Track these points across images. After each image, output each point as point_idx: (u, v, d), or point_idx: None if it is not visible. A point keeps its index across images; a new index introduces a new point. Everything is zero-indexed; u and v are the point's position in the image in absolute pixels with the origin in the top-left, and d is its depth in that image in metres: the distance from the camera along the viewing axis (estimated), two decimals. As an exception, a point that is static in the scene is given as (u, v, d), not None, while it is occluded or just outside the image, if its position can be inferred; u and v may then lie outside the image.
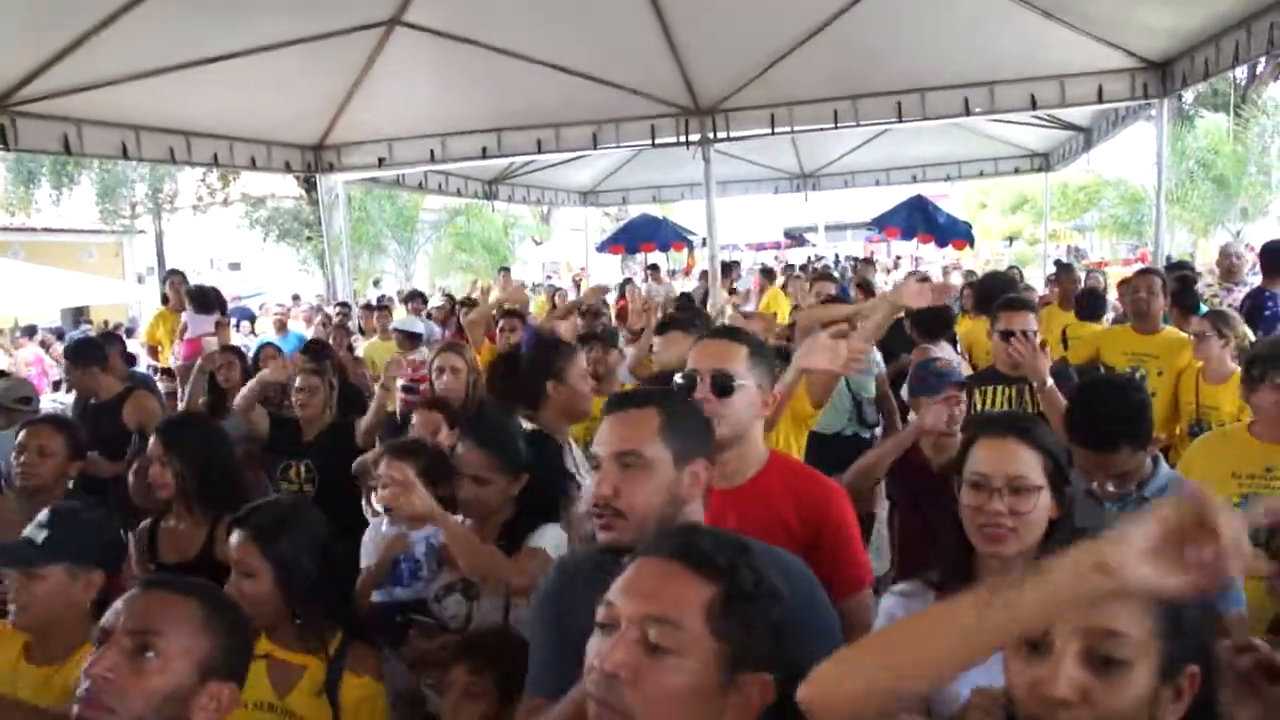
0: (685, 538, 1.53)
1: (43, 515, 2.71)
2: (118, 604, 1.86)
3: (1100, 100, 9.48)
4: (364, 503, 4.12)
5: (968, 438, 2.40)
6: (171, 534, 3.52)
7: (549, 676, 1.96)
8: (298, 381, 5.06)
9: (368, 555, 3.31)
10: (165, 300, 10.10)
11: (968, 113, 9.93)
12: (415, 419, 4.32)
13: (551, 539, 3.05)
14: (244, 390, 5.13)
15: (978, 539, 2.21)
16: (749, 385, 2.62)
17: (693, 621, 1.41)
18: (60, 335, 18.02)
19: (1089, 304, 7.90)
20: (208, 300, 8.79)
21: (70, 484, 3.97)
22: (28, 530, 2.67)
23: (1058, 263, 12.49)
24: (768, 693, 1.46)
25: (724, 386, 2.59)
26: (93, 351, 5.97)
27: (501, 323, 7.11)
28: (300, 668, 2.63)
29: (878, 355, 6.15)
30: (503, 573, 2.89)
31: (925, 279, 3.99)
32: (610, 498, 1.94)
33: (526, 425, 3.63)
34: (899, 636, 1.42)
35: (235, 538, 2.69)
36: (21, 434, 3.85)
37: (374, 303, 13.87)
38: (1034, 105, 9.71)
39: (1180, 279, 7.20)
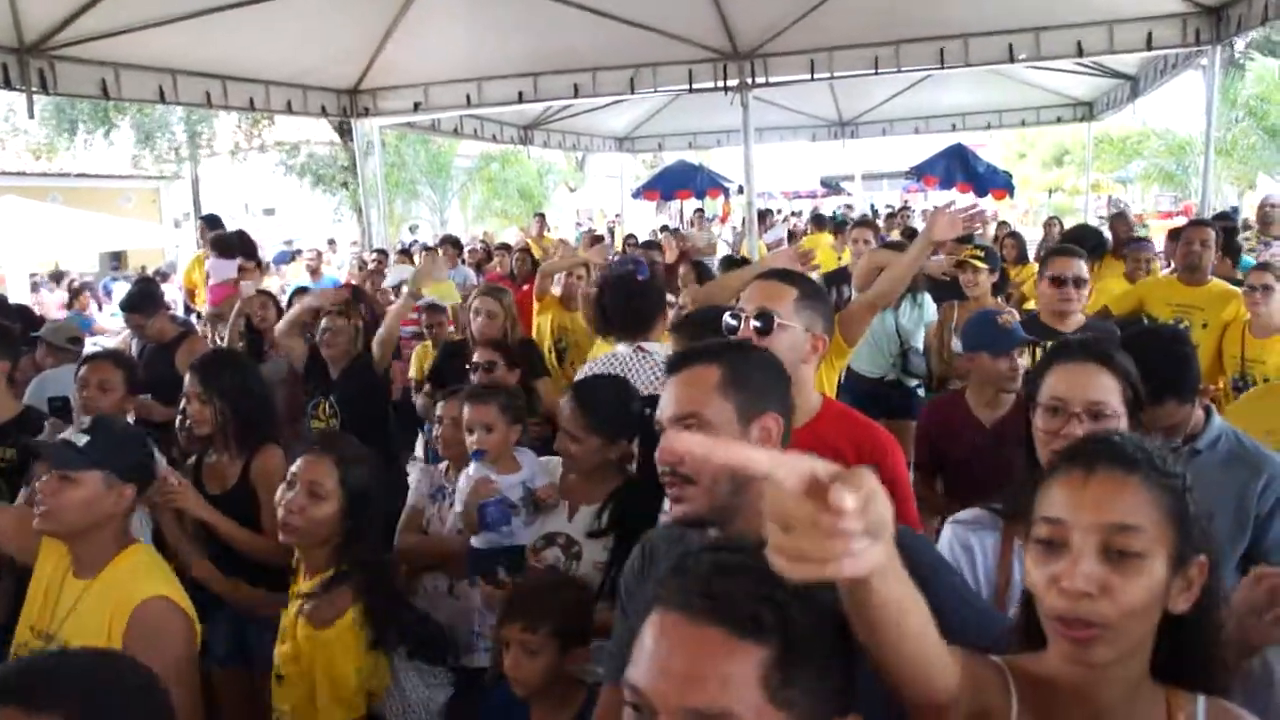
0: (714, 583, 1.18)
1: (85, 421, 2.75)
2: None
3: (1149, 47, 9.22)
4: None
5: (1043, 363, 2.35)
6: (213, 468, 3.62)
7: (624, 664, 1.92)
8: (323, 322, 5.10)
9: (459, 501, 3.31)
10: (201, 244, 10.16)
11: (1012, 59, 9.73)
12: (477, 355, 4.33)
13: None
14: (288, 315, 5.24)
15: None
16: (794, 327, 2.59)
17: (749, 706, 1.13)
18: (90, 283, 18.15)
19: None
20: (228, 246, 8.82)
21: (130, 419, 4.02)
22: (68, 433, 2.69)
23: (1117, 211, 12.19)
24: None
25: (765, 326, 2.57)
26: (152, 297, 6.06)
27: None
28: (339, 606, 2.73)
29: (931, 307, 6.10)
30: None
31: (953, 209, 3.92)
32: (675, 463, 1.79)
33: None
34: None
35: (313, 460, 2.75)
36: (83, 369, 3.90)
37: (409, 247, 13.90)
38: (1080, 52, 9.50)
39: (1225, 230, 7.05)
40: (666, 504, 1.83)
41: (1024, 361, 3.82)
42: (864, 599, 1.17)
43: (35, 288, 16.67)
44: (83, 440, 2.61)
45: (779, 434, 1.87)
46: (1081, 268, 4.42)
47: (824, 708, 1.18)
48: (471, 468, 3.21)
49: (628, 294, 4.26)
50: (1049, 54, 9.69)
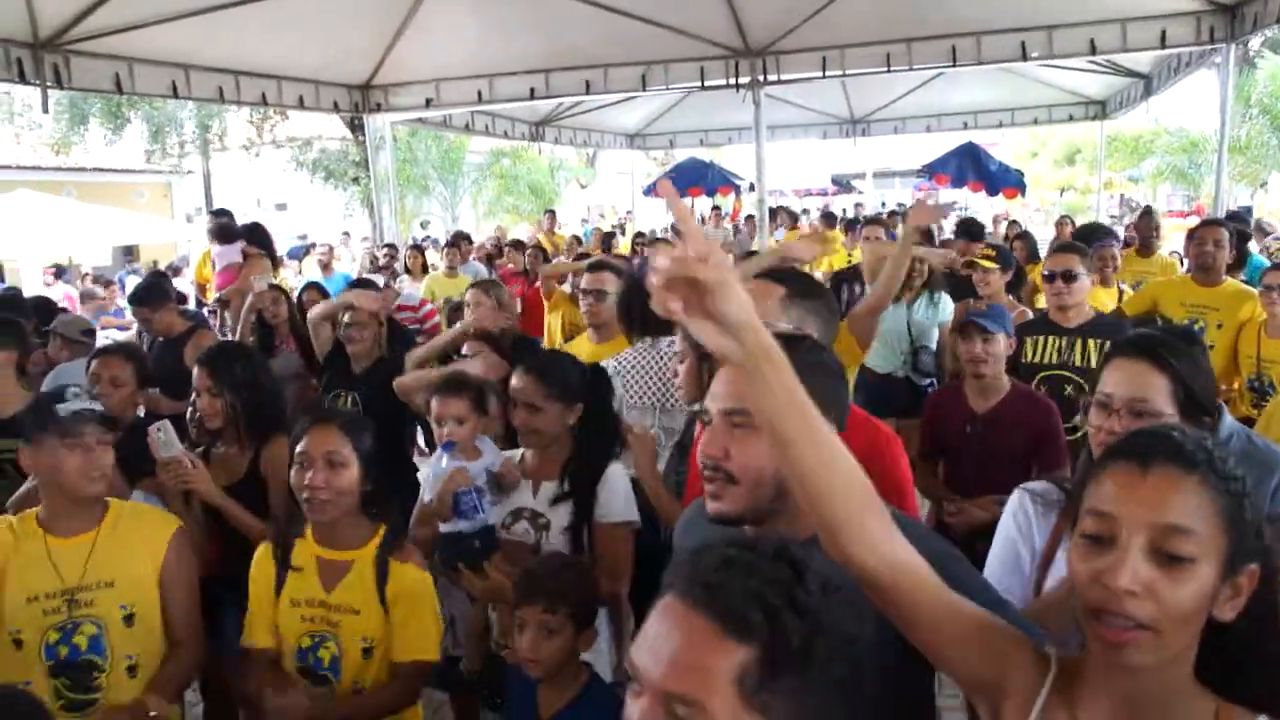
0: (716, 576, 1.21)
1: (78, 391, 2.84)
2: None
3: (1163, 45, 9.20)
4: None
5: (1105, 358, 2.35)
6: (222, 459, 3.65)
7: None
8: (347, 317, 5.11)
9: (427, 491, 3.35)
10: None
11: (1024, 58, 9.71)
12: (467, 348, 4.36)
13: (617, 486, 3.17)
14: (321, 306, 5.38)
15: None
16: (780, 327, 2.60)
17: (722, 700, 1.15)
18: (100, 276, 18.19)
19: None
20: (227, 232, 8.86)
21: (140, 412, 4.04)
22: (79, 404, 2.77)
23: (1146, 208, 12.07)
24: None
25: None
26: (160, 291, 6.08)
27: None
28: (347, 563, 2.80)
29: (949, 306, 6.07)
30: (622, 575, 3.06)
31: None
32: (720, 459, 1.74)
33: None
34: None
35: (322, 432, 2.79)
36: (94, 363, 3.93)
37: (421, 243, 13.93)
38: (1093, 50, 9.47)
39: (1237, 233, 6.99)
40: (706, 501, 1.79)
41: (999, 350, 3.89)
42: (751, 393, 1.36)
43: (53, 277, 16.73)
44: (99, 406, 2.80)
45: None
46: (1074, 263, 4.45)
47: (804, 715, 1.19)
48: (444, 460, 3.24)
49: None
50: (1062, 52, 9.67)
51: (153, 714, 2.61)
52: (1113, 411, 2.15)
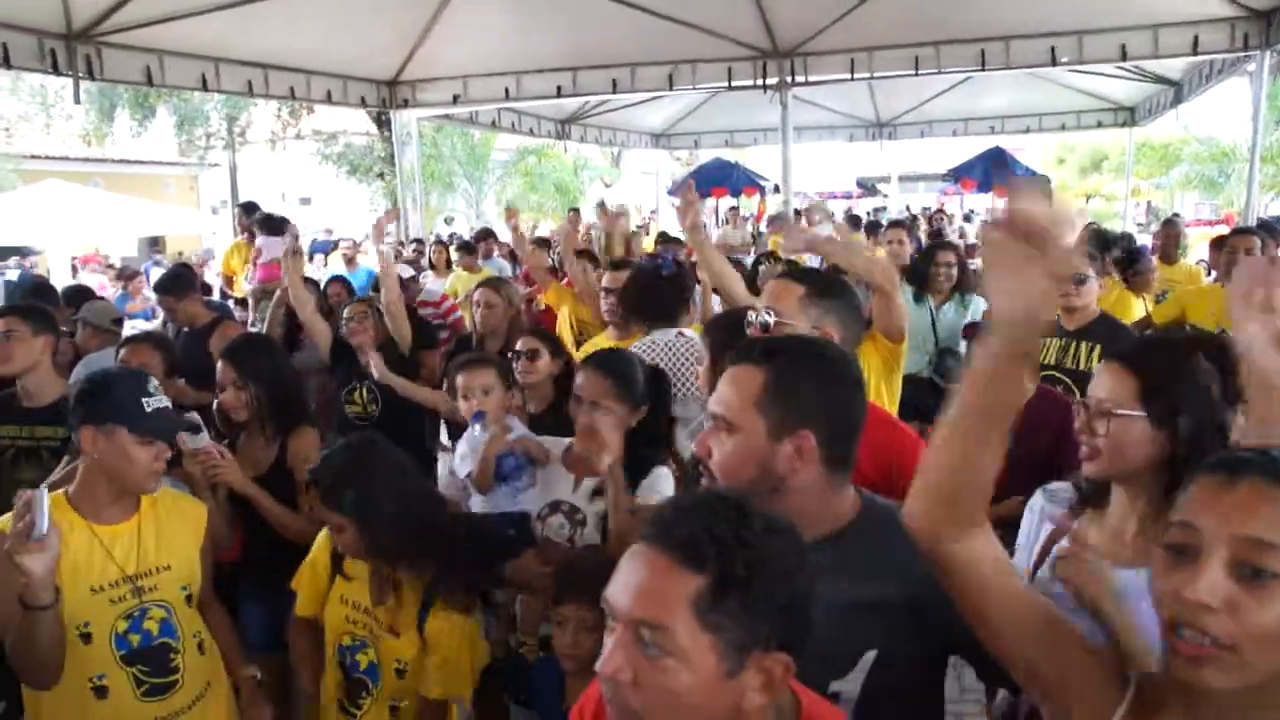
0: (673, 520, 1.40)
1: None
2: None
3: (1195, 51, 9.15)
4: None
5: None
6: (247, 452, 3.62)
7: None
8: (346, 311, 5.14)
9: (464, 465, 3.35)
10: (240, 231, 10.26)
11: (1054, 63, 9.67)
12: (521, 342, 4.36)
13: (662, 485, 3.13)
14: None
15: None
16: (797, 326, 2.61)
17: (681, 621, 1.33)
18: (126, 267, 18.32)
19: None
20: (277, 225, 8.89)
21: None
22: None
23: (1169, 217, 11.95)
24: (788, 671, 1.38)
25: (764, 325, 2.63)
26: (186, 280, 6.11)
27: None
28: (398, 581, 2.77)
29: (980, 308, 6.01)
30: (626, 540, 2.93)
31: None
32: (704, 457, 1.85)
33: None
34: (933, 446, 1.54)
35: (313, 499, 2.80)
36: (123, 351, 3.94)
37: (445, 240, 13.97)
38: (1124, 56, 9.42)
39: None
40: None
41: None
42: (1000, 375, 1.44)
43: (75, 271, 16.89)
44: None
45: (811, 453, 1.78)
46: (1084, 266, 4.42)
47: (750, 638, 1.35)
48: (476, 429, 3.24)
49: (654, 286, 4.43)
50: (1092, 58, 9.63)
51: (257, 677, 2.90)
52: (1085, 410, 2.15)
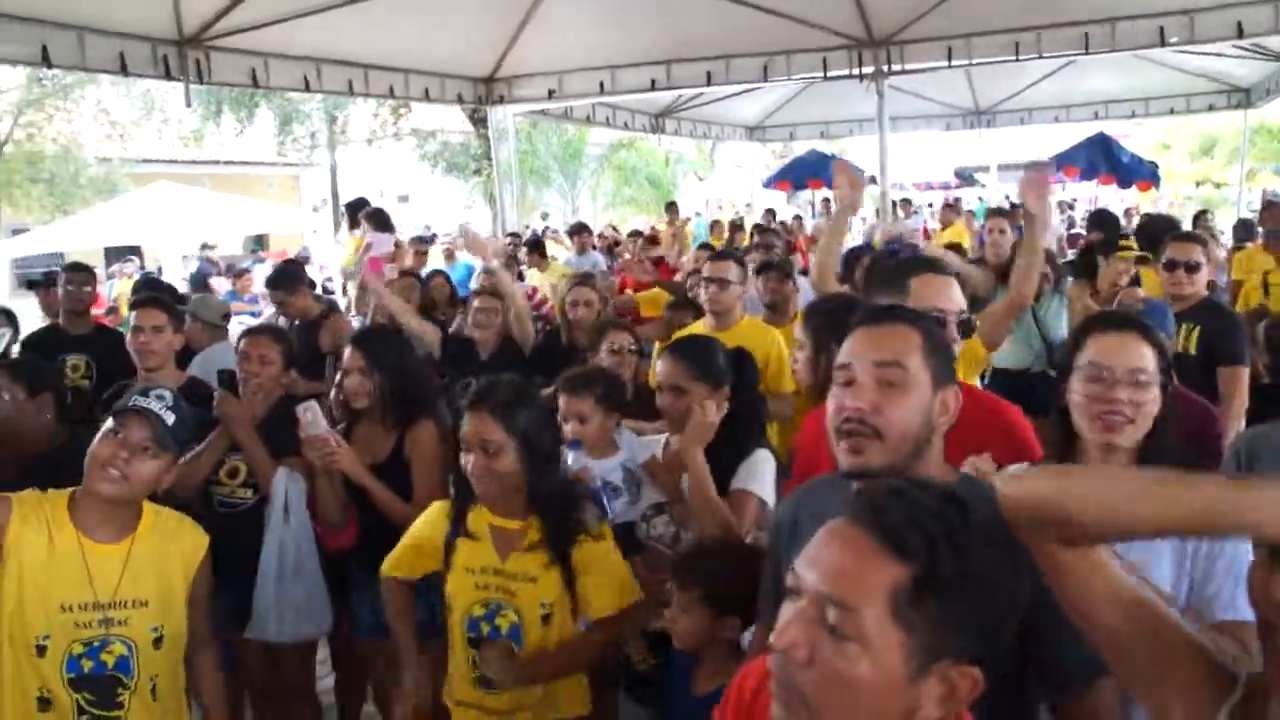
0: (882, 500, 1.30)
1: (167, 396, 2.74)
2: None
3: (1319, 26, 8.70)
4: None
5: (1078, 333, 2.46)
6: (365, 438, 3.68)
7: (772, 609, 1.92)
8: (477, 303, 5.22)
9: None
10: (350, 228, 10.51)
11: (1163, 43, 9.32)
12: (611, 338, 4.40)
13: (763, 469, 3.13)
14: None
15: (1094, 427, 2.26)
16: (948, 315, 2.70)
17: (875, 610, 1.23)
18: (232, 265, 18.85)
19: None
20: (385, 220, 9.08)
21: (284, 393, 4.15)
22: (151, 403, 2.68)
23: (1268, 201, 11.42)
24: (975, 688, 1.28)
25: (967, 329, 2.80)
26: (295, 276, 6.33)
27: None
28: (519, 532, 2.78)
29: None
30: (718, 524, 2.93)
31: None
32: (866, 413, 1.75)
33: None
34: (1125, 479, 1.39)
35: (474, 417, 2.74)
36: (243, 342, 4.05)
37: (541, 235, 14.13)
38: (1240, 34, 8.98)
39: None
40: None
41: None
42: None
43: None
44: (171, 419, 2.67)
45: (956, 409, 1.84)
46: (1196, 253, 4.59)
47: (943, 646, 1.26)
48: (570, 458, 3.26)
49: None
50: (1204, 37, 9.23)
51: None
52: (1115, 382, 2.24)
